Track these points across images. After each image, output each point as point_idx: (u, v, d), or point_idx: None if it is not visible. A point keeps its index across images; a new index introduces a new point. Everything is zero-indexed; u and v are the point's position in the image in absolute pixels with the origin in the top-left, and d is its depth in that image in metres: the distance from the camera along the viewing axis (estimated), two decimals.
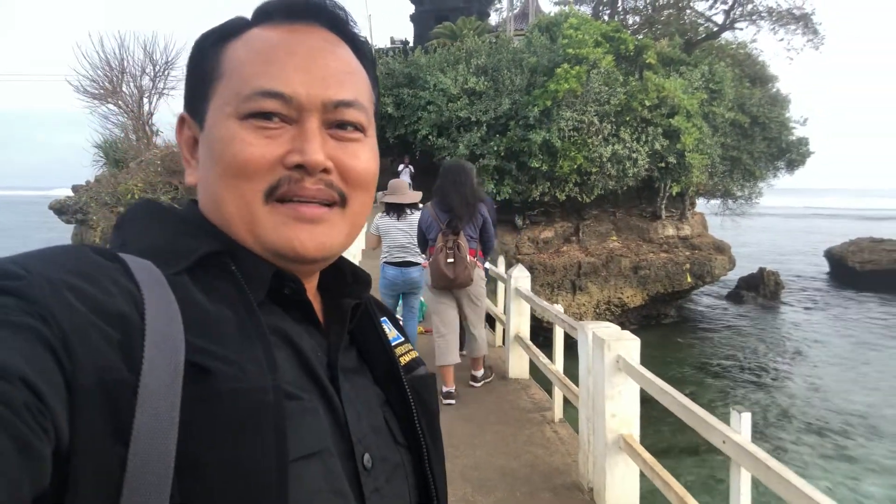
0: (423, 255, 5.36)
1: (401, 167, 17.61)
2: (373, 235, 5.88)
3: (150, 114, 19.11)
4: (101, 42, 20.04)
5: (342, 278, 0.71)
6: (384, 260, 5.73)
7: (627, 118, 14.96)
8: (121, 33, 24.52)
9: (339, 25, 0.67)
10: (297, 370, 0.59)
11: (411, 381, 0.71)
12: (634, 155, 14.79)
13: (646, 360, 3.43)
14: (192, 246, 0.59)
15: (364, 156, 0.66)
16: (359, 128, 0.65)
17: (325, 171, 0.62)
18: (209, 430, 0.49)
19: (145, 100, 18.91)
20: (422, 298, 6.05)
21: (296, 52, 0.62)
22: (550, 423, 4.93)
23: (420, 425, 0.69)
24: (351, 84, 0.65)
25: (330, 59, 0.64)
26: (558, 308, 5.05)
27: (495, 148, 15.06)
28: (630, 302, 15.59)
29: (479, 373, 5.75)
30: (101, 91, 18.42)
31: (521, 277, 6.29)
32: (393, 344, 0.74)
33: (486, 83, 15.84)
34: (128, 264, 0.52)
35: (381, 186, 6.07)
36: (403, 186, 5.89)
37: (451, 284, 4.98)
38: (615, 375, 3.45)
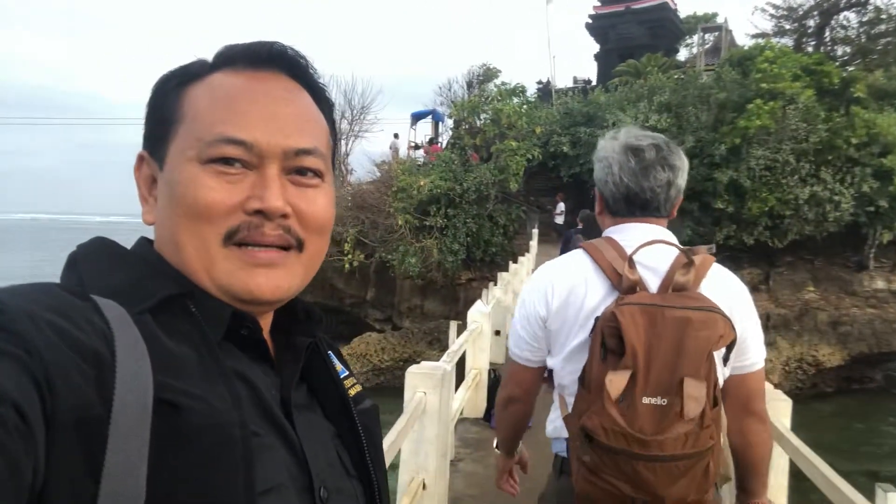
0: None
1: (560, 204, 17.65)
2: None
3: (346, 154, 20.87)
4: None
5: (294, 316, 0.72)
6: None
7: (829, 157, 13.76)
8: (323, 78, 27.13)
9: (300, 73, 0.69)
10: (253, 407, 0.59)
11: (359, 415, 0.72)
12: (837, 197, 13.51)
13: (835, 428, 3.01)
14: (153, 287, 0.59)
15: (321, 201, 0.67)
16: (317, 174, 0.67)
17: (284, 216, 0.63)
18: (180, 465, 0.50)
19: (342, 141, 20.87)
20: None
21: (258, 99, 0.64)
22: None
23: (370, 457, 0.71)
24: (310, 132, 0.67)
25: (290, 107, 0.66)
26: None
27: None
28: (826, 361, 13.98)
29: None
30: None
31: None
32: (341, 377, 0.75)
33: (668, 120, 15.38)
34: (97, 303, 0.53)
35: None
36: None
37: None
38: None
